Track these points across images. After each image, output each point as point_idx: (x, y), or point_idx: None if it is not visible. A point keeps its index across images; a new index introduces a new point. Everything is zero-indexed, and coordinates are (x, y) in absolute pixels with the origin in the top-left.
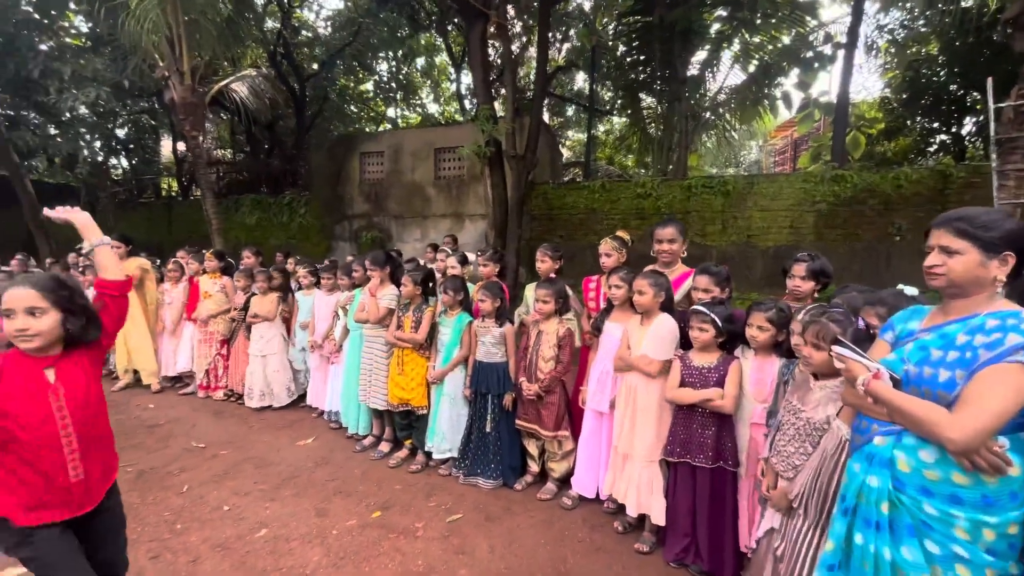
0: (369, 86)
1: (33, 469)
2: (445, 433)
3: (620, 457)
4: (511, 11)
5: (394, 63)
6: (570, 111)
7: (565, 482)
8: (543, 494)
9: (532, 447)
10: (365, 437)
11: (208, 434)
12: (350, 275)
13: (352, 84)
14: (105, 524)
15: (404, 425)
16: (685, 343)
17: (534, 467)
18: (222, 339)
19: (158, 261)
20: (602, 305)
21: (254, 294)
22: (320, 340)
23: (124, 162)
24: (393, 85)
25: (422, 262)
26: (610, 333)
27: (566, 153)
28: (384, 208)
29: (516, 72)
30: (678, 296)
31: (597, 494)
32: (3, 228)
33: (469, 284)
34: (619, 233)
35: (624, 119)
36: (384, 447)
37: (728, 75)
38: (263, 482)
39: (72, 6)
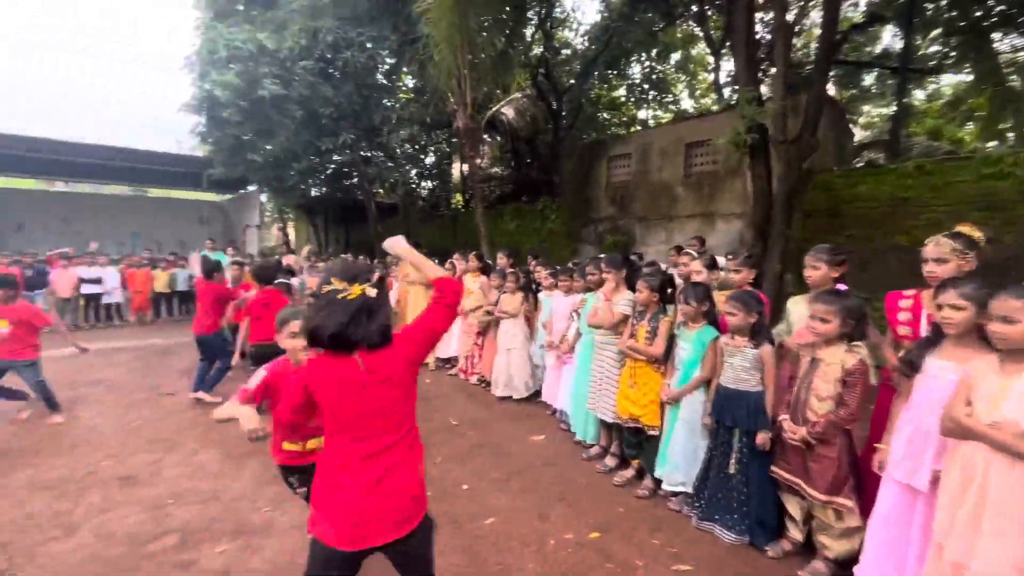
0: (621, 92)
1: None
2: (678, 463)
3: (947, 565)
4: None
5: (647, 64)
6: (868, 79)
7: (844, 567)
8: (807, 574)
9: (794, 507)
10: (592, 446)
11: (462, 413)
12: (585, 277)
13: (604, 91)
14: None
15: (633, 443)
16: None
17: (796, 533)
18: (478, 331)
19: (436, 261)
20: (922, 332)
21: (505, 292)
22: (556, 340)
23: (428, 183)
24: (645, 86)
25: (664, 266)
26: (935, 375)
27: (859, 133)
28: (629, 210)
29: (790, 44)
30: None
31: None
32: (358, 237)
33: (717, 292)
34: (963, 228)
35: (961, 76)
36: (610, 461)
37: None
38: (496, 470)
39: (405, 69)
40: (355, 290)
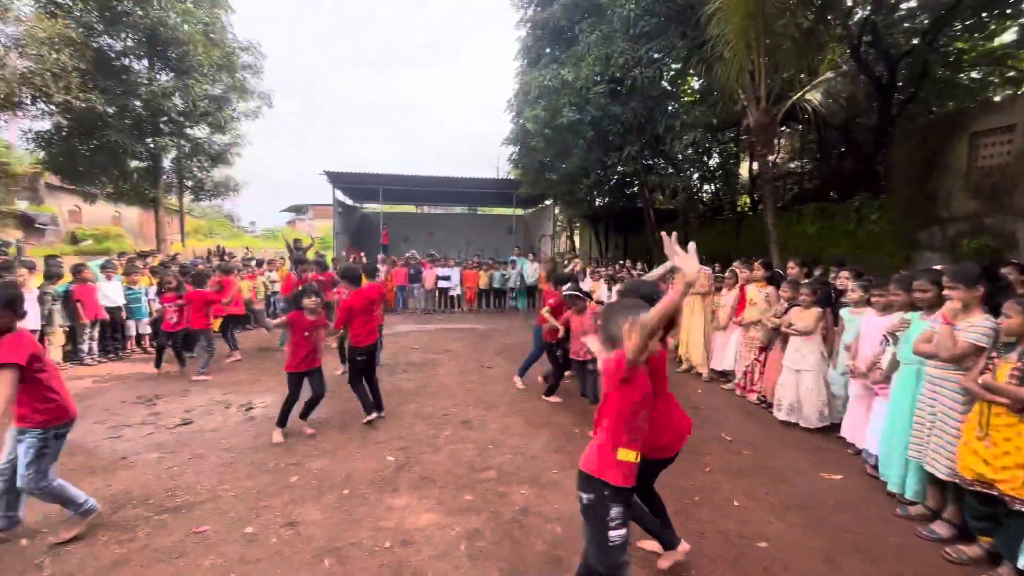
0: (1008, 35)
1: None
2: None
3: None
4: None
5: None
6: None
7: None
8: None
9: None
10: (914, 504)
11: (736, 430)
12: (909, 291)
13: (972, 43)
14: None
15: (983, 514)
16: None
17: None
18: (760, 346)
19: (717, 267)
20: None
21: (796, 305)
22: (864, 367)
23: (710, 187)
24: None
25: None
26: None
27: None
28: (1005, 204)
29: None
30: None
31: None
32: (636, 244)
33: None
34: None
35: None
36: (941, 529)
37: None
38: (774, 495)
39: (691, 71)
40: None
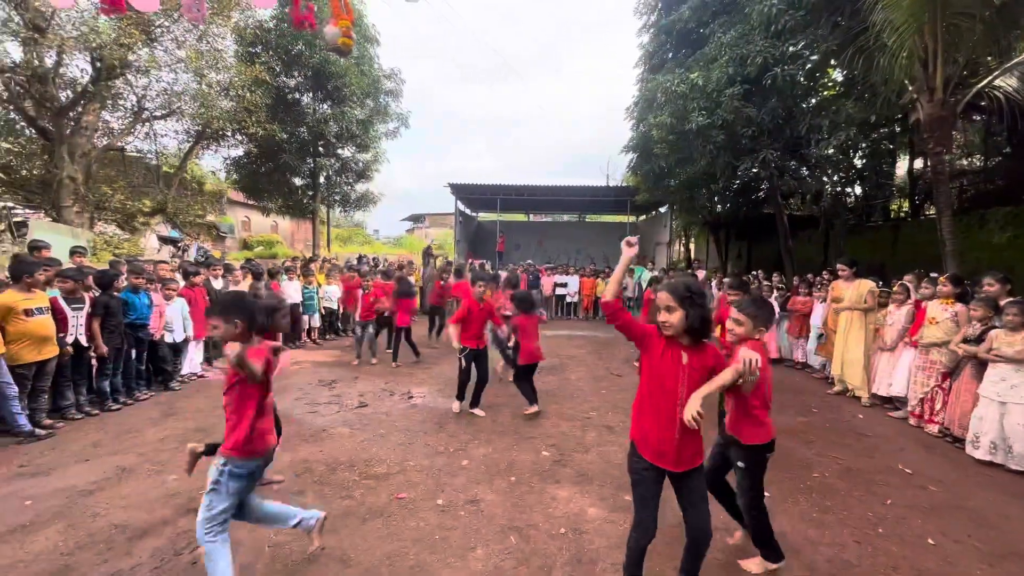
0: None
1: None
2: None
3: None
4: None
5: None
6: None
7: None
8: None
9: None
10: None
11: (915, 463)
12: None
13: None
14: (692, 489)
15: None
16: None
17: None
18: (944, 371)
19: (880, 282)
20: None
21: (995, 326)
22: None
23: (857, 190)
24: None
25: None
26: None
27: None
28: None
29: None
30: None
31: None
32: (765, 251)
33: None
34: None
35: None
36: None
37: None
38: (979, 539)
39: (833, 62)
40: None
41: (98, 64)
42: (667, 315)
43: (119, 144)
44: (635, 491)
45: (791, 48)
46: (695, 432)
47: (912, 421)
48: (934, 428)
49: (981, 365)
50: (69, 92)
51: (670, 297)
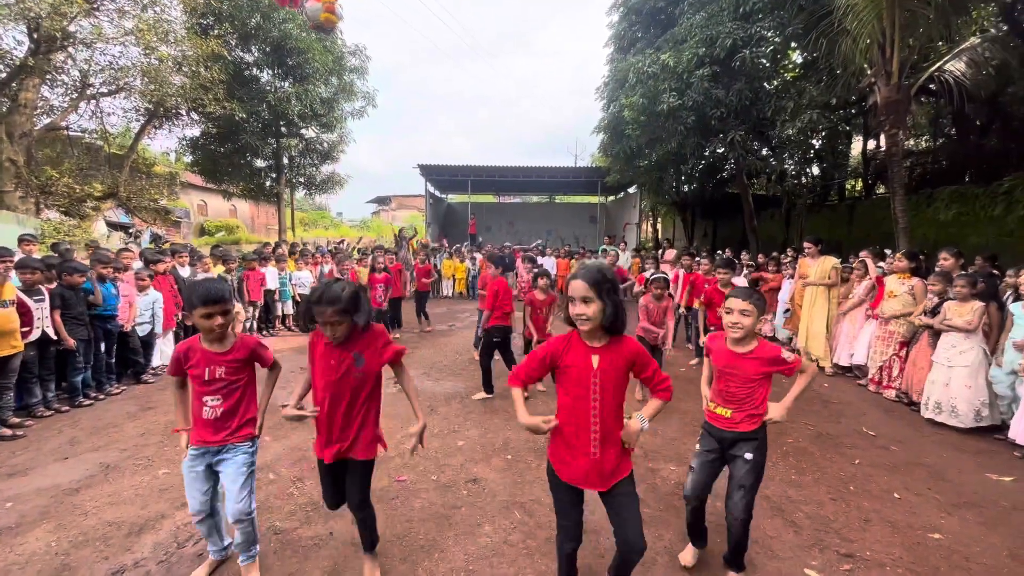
0: None
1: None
2: None
3: None
4: None
5: None
6: None
7: None
8: None
9: None
10: None
11: (878, 426)
12: None
13: None
14: (622, 503)
15: None
16: None
17: None
18: (901, 340)
19: (840, 259)
20: None
21: (949, 298)
22: None
23: (816, 170)
24: None
25: None
26: None
27: None
28: None
29: None
30: None
31: None
32: (730, 230)
33: None
34: None
35: None
36: None
37: None
38: (938, 492)
39: (793, 44)
40: None
41: (35, 35)
42: (583, 307)
43: (62, 123)
44: (554, 498)
45: (759, 30)
46: (614, 443)
47: (871, 388)
48: (891, 393)
49: (936, 334)
50: (4, 66)
51: (586, 287)
